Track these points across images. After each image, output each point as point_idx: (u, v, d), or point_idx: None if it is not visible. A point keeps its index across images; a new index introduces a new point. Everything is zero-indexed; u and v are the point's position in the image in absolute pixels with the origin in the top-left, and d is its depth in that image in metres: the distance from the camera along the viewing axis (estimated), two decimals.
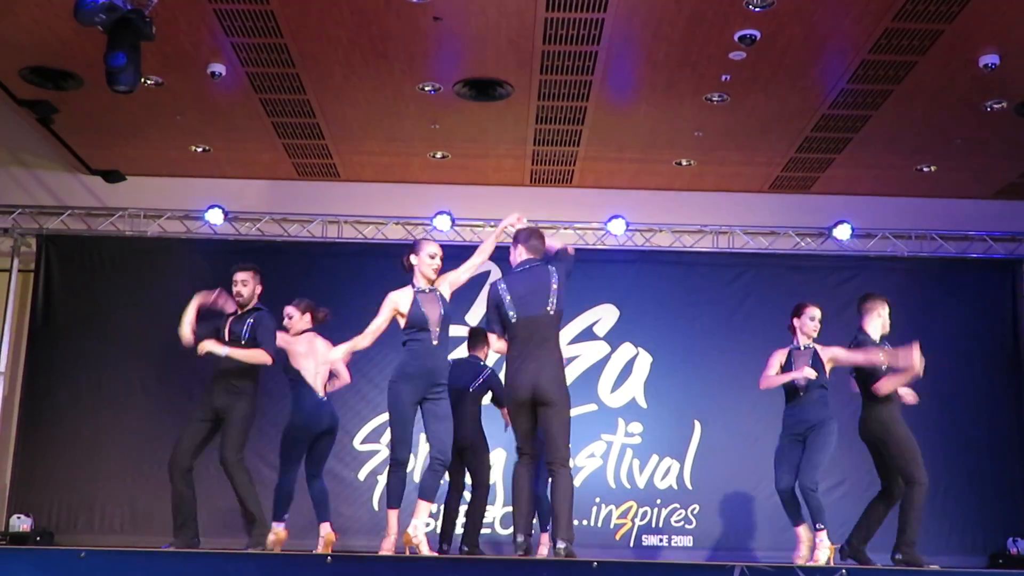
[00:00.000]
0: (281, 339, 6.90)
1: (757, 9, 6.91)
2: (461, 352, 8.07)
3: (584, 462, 9.54)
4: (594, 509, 9.45)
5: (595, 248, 9.94)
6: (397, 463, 6.14)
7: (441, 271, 6.31)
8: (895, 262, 9.87)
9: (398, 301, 6.19)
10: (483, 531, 7.95)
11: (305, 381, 6.98)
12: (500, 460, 8.98)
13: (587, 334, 9.79)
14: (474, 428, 7.59)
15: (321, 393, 7.02)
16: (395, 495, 6.19)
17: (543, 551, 7.10)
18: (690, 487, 9.55)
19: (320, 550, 6.79)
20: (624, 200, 9.97)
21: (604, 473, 9.57)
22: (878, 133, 8.83)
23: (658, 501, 9.50)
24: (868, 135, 8.88)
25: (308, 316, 7.16)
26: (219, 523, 8.06)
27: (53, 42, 7.44)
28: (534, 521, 6.81)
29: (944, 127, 8.72)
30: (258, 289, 6.79)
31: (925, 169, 9.62)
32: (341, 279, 9.43)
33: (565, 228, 9.92)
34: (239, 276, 6.71)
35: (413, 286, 6.25)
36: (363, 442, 9.49)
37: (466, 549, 7.49)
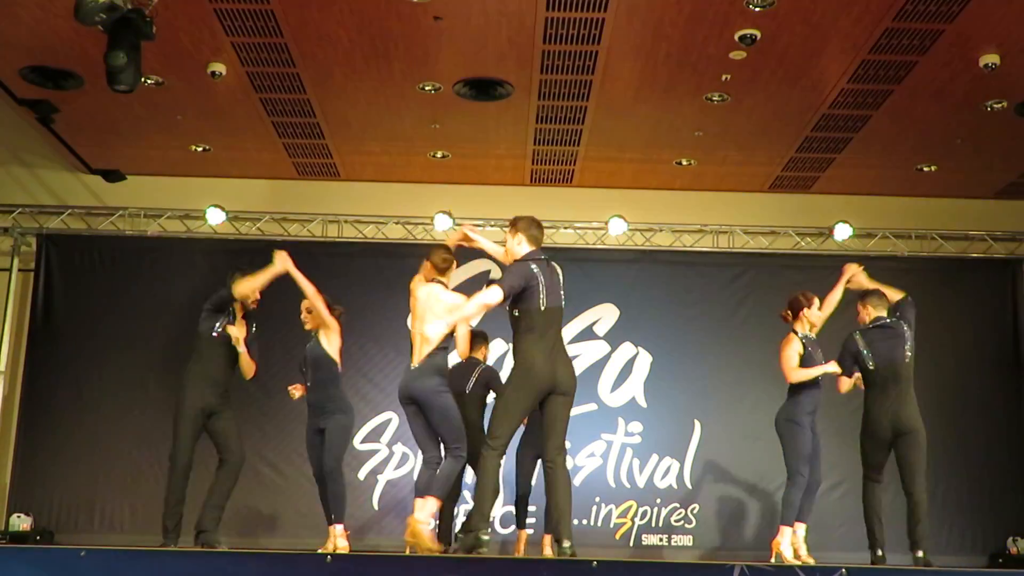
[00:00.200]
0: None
1: (757, 9, 6.90)
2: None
3: (584, 461, 9.54)
4: (594, 508, 9.44)
5: (595, 248, 9.95)
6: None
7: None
8: (895, 262, 9.87)
9: None
10: None
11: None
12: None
13: (587, 333, 9.78)
14: (474, 432, 7.54)
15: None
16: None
17: (547, 551, 7.11)
18: (690, 486, 9.55)
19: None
20: (624, 200, 9.96)
21: (604, 472, 9.56)
22: (878, 133, 8.83)
23: (658, 500, 9.50)
24: (868, 135, 8.88)
25: None
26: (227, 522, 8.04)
27: (53, 42, 7.43)
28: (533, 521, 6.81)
29: (944, 127, 8.72)
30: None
31: (925, 169, 9.61)
32: (341, 278, 9.39)
33: (565, 228, 9.92)
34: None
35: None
36: (363, 442, 9.49)
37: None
